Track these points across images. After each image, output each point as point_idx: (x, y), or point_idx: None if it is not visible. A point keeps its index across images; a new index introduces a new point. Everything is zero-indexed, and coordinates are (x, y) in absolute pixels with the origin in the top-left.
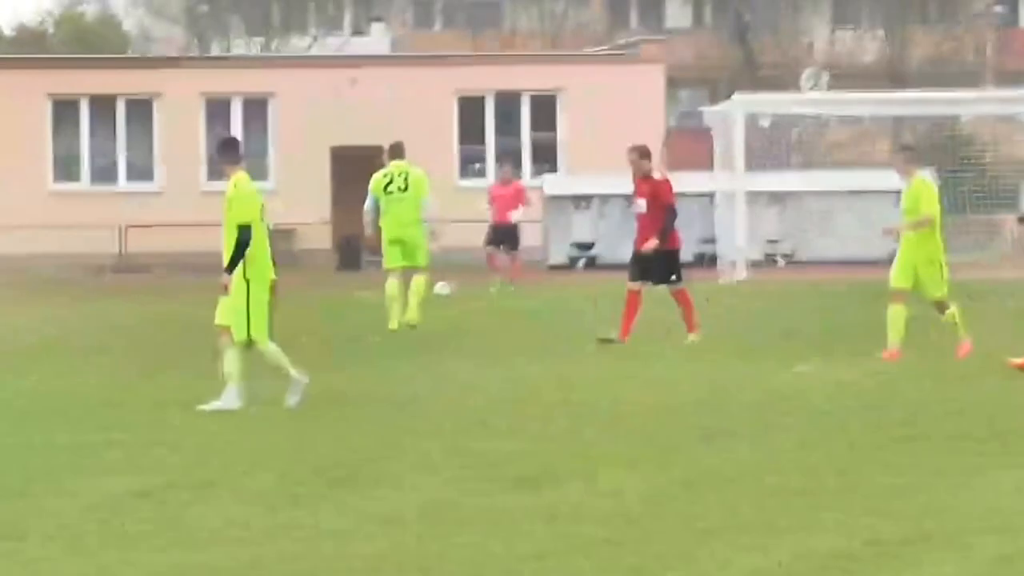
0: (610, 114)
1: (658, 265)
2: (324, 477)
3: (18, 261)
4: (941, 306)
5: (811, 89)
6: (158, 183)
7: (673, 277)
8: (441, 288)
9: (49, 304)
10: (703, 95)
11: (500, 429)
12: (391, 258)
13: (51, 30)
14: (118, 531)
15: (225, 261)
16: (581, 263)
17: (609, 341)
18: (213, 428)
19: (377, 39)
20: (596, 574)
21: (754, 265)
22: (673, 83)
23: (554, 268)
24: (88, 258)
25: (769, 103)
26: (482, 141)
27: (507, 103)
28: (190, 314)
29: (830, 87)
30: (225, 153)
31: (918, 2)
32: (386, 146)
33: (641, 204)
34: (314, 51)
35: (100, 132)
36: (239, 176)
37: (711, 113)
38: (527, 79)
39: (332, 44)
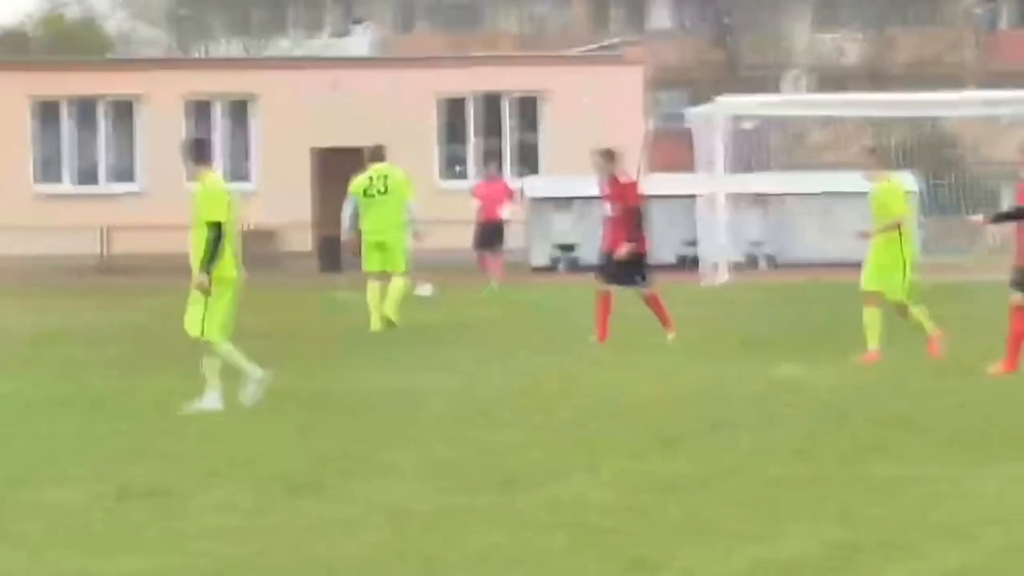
0: (592, 116)
1: (624, 268)
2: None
3: (0, 262)
4: (902, 310)
5: (792, 91)
6: (140, 184)
7: (638, 279)
8: (423, 290)
9: (33, 305)
10: (685, 97)
11: (502, 421)
12: (371, 261)
13: (32, 32)
14: (79, 537)
15: (196, 261)
16: (563, 264)
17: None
18: (178, 433)
19: (358, 41)
20: (600, 564)
21: (736, 267)
22: (655, 85)
23: (536, 270)
24: (71, 259)
25: (751, 105)
26: (464, 142)
27: (489, 105)
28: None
29: (812, 89)
30: (194, 153)
31: (900, 4)
32: (367, 147)
33: (609, 207)
34: (295, 53)
35: (82, 134)
36: (209, 176)
37: (693, 115)
38: (509, 81)
39: (313, 46)
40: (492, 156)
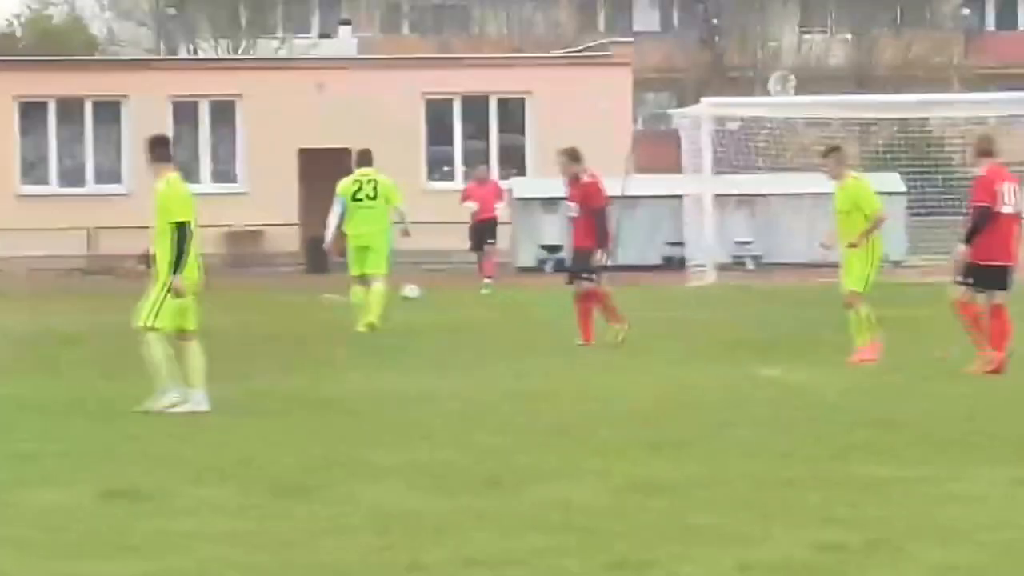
0: (578, 117)
1: (579, 262)
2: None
3: None
4: (851, 302)
5: (779, 92)
6: (126, 185)
7: (588, 276)
8: (409, 291)
9: (18, 307)
10: (671, 98)
11: (487, 423)
12: (356, 264)
13: (18, 33)
14: (65, 539)
15: (163, 263)
16: (549, 266)
17: (620, 342)
18: (164, 435)
19: (344, 42)
20: (586, 566)
21: (723, 268)
22: (641, 86)
23: (522, 270)
24: (57, 261)
25: (737, 106)
26: (450, 144)
27: (475, 106)
28: None
29: (798, 90)
30: (156, 152)
31: (886, 5)
32: (354, 148)
33: (572, 208)
34: (282, 54)
35: (68, 134)
36: (171, 176)
37: (679, 116)
38: (495, 82)
39: (299, 47)
40: (479, 157)
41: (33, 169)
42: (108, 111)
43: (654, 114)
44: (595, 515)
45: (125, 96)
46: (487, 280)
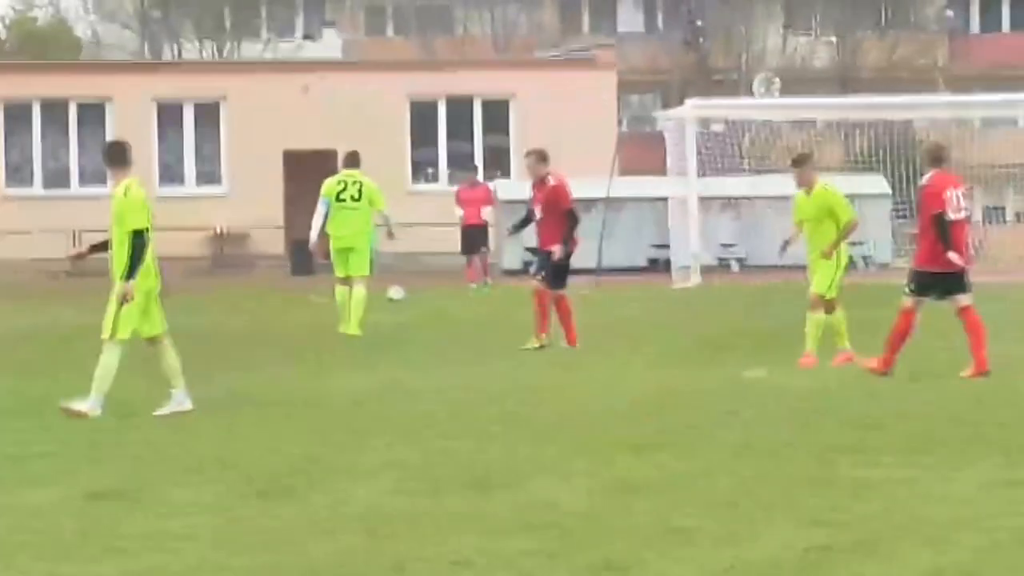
0: (563, 119)
1: (549, 264)
2: (260, 484)
3: None
4: (815, 305)
5: (763, 94)
6: (111, 187)
7: (544, 276)
8: (394, 293)
9: (2, 308)
10: (655, 100)
11: (471, 423)
12: (340, 266)
13: (3, 35)
14: (51, 541)
15: (119, 269)
16: (534, 267)
17: (538, 349)
18: (147, 435)
19: (329, 44)
20: (570, 567)
21: (708, 270)
22: (625, 88)
23: (508, 273)
24: (43, 263)
25: (722, 108)
26: (435, 146)
27: (459, 108)
28: None
29: (782, 92)
30: (115, 157)
31: (870, 8)
32: (339, 149)
33: (538, 210)
34: (266, 56)
35: (52, 136)
36: (129, 182)
37: (664, 118)
38: (479, 84)
39: (284, 49)
40: (463, 159)
41: (17, 171)
42: (92, 113)
43: (639, 116)
44: (581, 516)
45: (109, 98)
46: (472, 284)
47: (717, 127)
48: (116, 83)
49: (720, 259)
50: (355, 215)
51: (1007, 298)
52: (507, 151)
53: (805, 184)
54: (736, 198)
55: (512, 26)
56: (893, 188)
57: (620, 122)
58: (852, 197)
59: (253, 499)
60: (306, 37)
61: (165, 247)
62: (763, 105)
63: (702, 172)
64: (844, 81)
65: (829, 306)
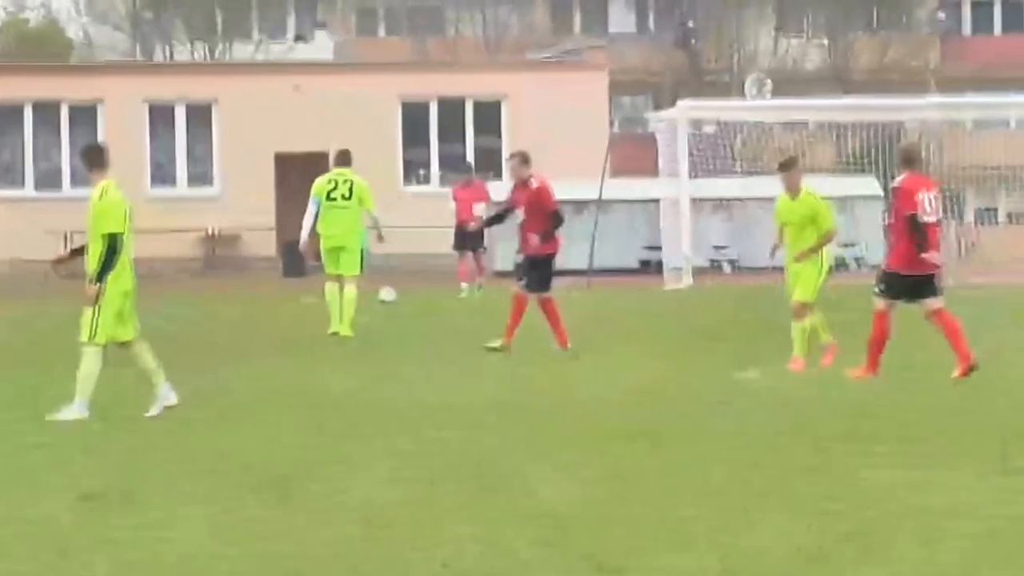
0: (554, 120)
1: (529, 268)
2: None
3: None
4: (799, 314)
5: (755, 96)
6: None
7: (523, 281)
8: (386, 294)
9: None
10: (647, 101)
11: (466, 419)
12: (330, 265)
13: None
14: (46, 536)
15: (90, 269)
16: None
17: (495, 350)
18: (141, 428)
19: (320, 45)
20: (565, 560)
21: (700, 272)
22: (617, 88)
23: (500, 274)
24: (34, 264)
25: (714, 109)
26: (426, 147)
27: (451, 109)
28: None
29: (774, 94)
30: (92, 159)
31: (862, 9)
32: (331, 151)
33: (519, 213)
34: (258, 57)
35: (44, 138)
36: (106, 184)
37: (656, 119)
38: (471, 85)
39: (276, 50)
40: (459, 161)
41: (9, 173)
42: (84, 114)
43: (630, 117)
44: (576, 505)
45: (101, 99)
46: (464, 284)
47: (709, 128)
48: (108, 84)
49: (712, 261)
50: (345, 214)
51: (1000, 299)
52: (499, 152)
53: (792, 188)
54: (728, 200)
55: (504, 27)
56: (885, 189)
57: (612, 123)
58: (844, 198)
59: (248, 491)
60: (298, 38)
61: (157, 248)
62: (755, 107)
63: (694, 173)
64: (836, 83)
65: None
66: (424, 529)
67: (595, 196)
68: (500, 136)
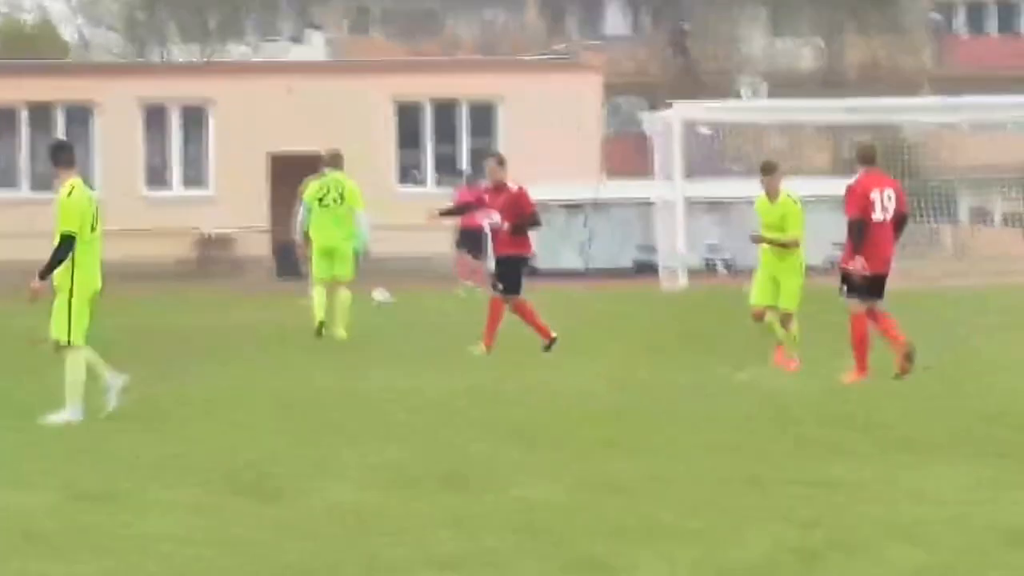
0: (549, 121)
1: (501, 269)
2: (238, 483)
3: None
4: (786, 320)
5: (750, 97)
6: (97, 190)
7: (500, 285)
8: (380, 295)
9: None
10: (641, 102)
11: (450, 422)
12: (320, 269)
13: None
14: (33, 541)
15: (63, 272)
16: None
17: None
18: (127, 435)
19: (314, 46)
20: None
21: (694, 273)
22: (611, 90)
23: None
24: (28, 266)
25: (708, 111)
26: (420, 148)
27: (445, 110)
28: (120, 322)
29: (768, 95)
30: (58, 157)
31: (855, 9)
32: (324, 153)
33: (496, 216)
34: (252, 58)
35: (38, 139)
36: (74, 182)
37: (650, 120)
38: (465, 86)
39: (270, 51)
40: (453, 163)
41: (5, 174)
42: (79, 116)
43: (625, 118)
44: (558, 514)
45: (96, 101)
46: (466, 282)
47: (703, 130)
48: (102, 86)
49: (707, 261)
50: (337, 217)
51: (995, 300)
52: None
53: (771, 192)
54: (723, 201)
55: (498, 28)
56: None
57: (606, 125)
58: (840, 199)
59: (240, 500)
60: (291, 39)
61: (151, 249)
62: (749, 108)
63: (688, 175)
64: (830, 83)
65: (759, 316)
66: (408, 537)
67: (590, 197)
68: (494, 137)
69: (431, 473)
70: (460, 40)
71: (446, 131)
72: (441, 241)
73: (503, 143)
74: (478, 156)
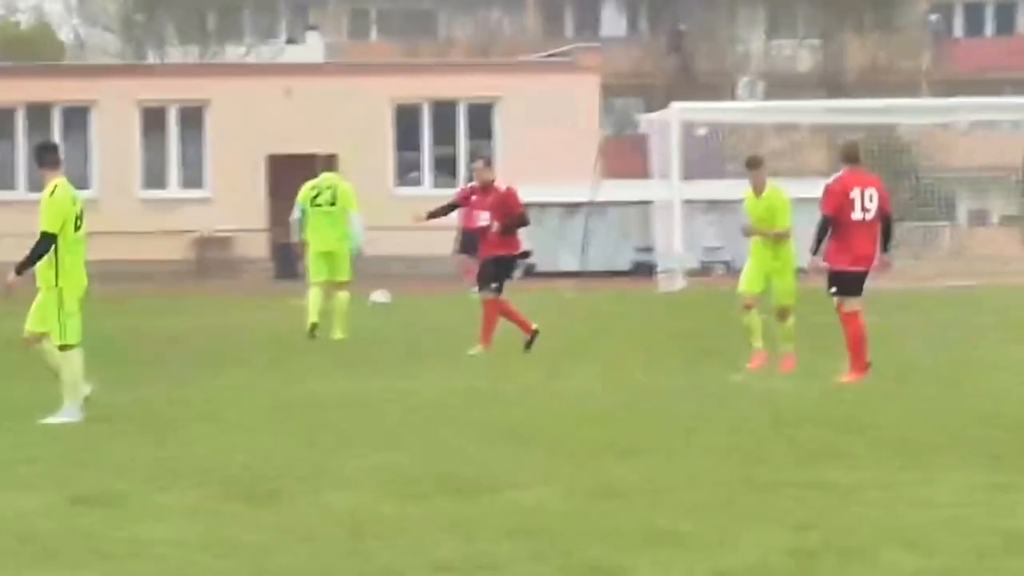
0: (546, 122)
1: (491, 270)
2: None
3: None
4: (784, 313)
5: (747, 98)
6: (95, 191)
7: (494, 285)
8: (379, 296)
9: None
10: (639, 103)
11: (456, 428)
12: (316, 271)
13: None
14: (34, 546)
15: (48, 271)
16: (519, 271)
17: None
18: (130, 440)
19: (312, 47)
20: (556, 572)
21: (692, 274)
22: (609, 91)
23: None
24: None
25: (706, 111)
26: (418, 149)
27: (443, 112)
28: (119, 324)
29: (766, 95)
30: (43, 158)
31: (854, 11)
32: (324, 153)
33: (484, 216)
34: (249, 59)
35: (36, 140)
36: (58, 182)
37: (648, 121)
38: (463, 88)
39: (267, 52)
40: (447, 163)
41: (0, 175)
42: (77, 117)
43: (622, 119)
44: (564, 520)
45: (94, 102)
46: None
47: (701, 130)
48: (100, 87)
49: (704, 262)
50: (331, 219)
51: (992, 301)
52: (490, 155)
53: (757, 187)
54: (720, 201)
55: (495, 30)
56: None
57: (603, 125)
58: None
59: (236, 503)
60: (289, 41)
61: (149, 250)
62: (747, 109)
63: (686, 175)
64: (828, 85)
65: (749, 305)
66: (412, 543)
67: (587, 198)
68: (492, 138)
69: (428, 476)
70: (457, 41)
71: (444, 132)
72: (441, 242)
73: (501, 144)
74: (476, 158)
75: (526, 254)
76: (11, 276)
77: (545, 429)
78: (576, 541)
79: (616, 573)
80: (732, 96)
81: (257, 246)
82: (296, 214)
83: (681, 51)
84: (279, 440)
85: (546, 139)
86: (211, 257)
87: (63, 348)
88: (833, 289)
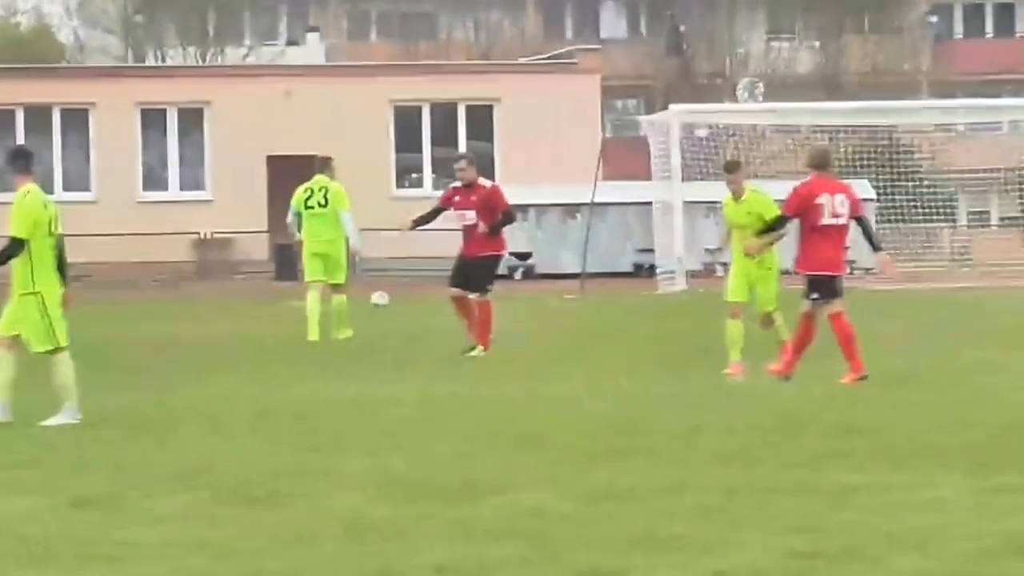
0: (547, 124)
1: (476, 272)
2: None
3: None
4: (768, 321)
5: (747, 99)
6: (95, 193)
7: (483, 287)
8: (378, 298)
9: None
10: (639, 105)
11: (456, 430)
12: (312, 271)
13: None
14: (35, 548)
15: (24, 277)
16: (519, 273)
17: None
18: (130, 442)
19: (312, 49)
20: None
21: (693, 275)
22: (609, 93)
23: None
24: None
25: (705, 113)
26: (419, 151)
27: (443, 113)
28: (120, 326)
29: (766, 97)
30: (15, 163)
31: (853, 12)
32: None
33: (470, 215)
34: (250, 61)
35: (36, 142)
36: (29, 187)
37: (648, 123)
38: (463, 89)
39: (267, 54)
40: (447, 165)
41: (1, 176)
42: (76, 118)
43: (622, 121)
44: (565, 523)
45: (93, 103)
46: None
47: (701, 132)
48: (99, 88)
49: (705, 264)
50: (324, 220)
51: (990, 303)
52: (491, 156)
53: (735, 191)
54: (721, 203)
55: (495, 32)
56: (878, 192)
57: (604, 127)
58: None
59: (237, 506)
60: (289, 43)
61: (149, 252)
62: (747, 110)
63: (686, 177)
64: (828, 86)
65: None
66: (413, 545)
67: (588, 200)
68: (492, 140)
69: (425, 478)
70: (458, 43)
71: (444, 134)
72: (439, 244)
73: (501, 146)
74: (477, 159)
75: (525, 256)
76: None
77: (543, 432)
78: (574, 544)
79: (623, 572)
80: (732, 97)
81: (257, 248)
82: (290, 217)
83: (681, 52)
84: (276, 443)
85: (546, 141)
86: (211, 259)
87: (55, 351)
88: (814, 295)
